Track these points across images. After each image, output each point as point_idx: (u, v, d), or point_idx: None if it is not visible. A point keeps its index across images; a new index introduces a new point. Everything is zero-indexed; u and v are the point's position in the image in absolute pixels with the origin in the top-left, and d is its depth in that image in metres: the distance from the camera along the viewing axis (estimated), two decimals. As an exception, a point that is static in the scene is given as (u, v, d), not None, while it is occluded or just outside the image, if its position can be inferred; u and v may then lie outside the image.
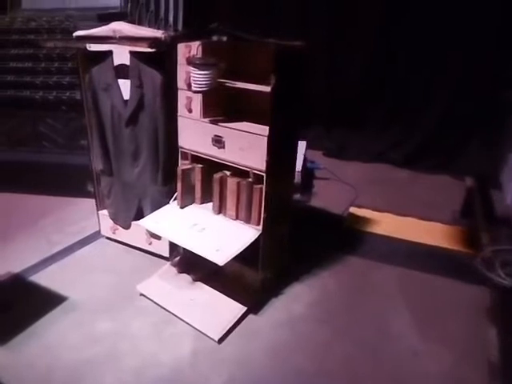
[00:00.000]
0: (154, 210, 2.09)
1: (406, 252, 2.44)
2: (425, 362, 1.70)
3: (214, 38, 1.92)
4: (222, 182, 1.96)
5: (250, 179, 1.86)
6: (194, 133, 1.94)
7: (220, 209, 2.02)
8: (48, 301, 1.96)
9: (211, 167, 1.98)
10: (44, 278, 2.11)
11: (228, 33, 1.88)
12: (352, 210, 2.89)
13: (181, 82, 1.89)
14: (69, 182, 2.86)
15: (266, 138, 1.70)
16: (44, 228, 2.58)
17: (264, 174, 1.77)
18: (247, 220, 1.93)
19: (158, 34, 1.92)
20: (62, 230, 2.55)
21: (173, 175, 2.06)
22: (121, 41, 1.97)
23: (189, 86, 1.85)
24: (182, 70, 1.86)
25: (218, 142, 1.86)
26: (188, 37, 1.87)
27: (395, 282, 2.18)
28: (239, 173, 1.90)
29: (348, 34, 3.70)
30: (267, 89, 1.65)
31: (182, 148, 2.03)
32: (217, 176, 1.95)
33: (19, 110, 2.90)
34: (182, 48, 1.83)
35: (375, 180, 3.41)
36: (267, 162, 1.73)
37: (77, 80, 2.34)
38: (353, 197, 3.06)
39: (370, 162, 3.74)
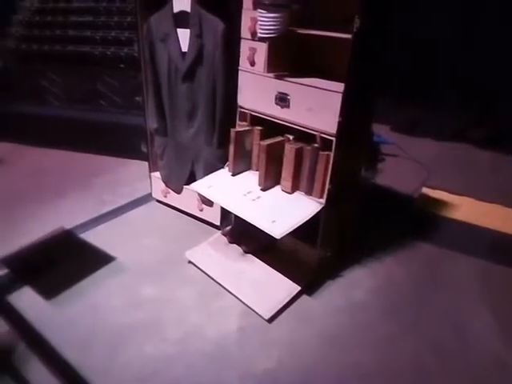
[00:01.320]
0: (207, 175, 1.94)
1: (490, 243, 2.10)
2: (514, 376, 1.42)
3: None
4: (282, 148, 1.74)
5: (316, 144, 1.63)
6: (256, 89, 1.73)
7: (268, 179, 1.79)
8: (95, 260, 1.91)
9: (271, 130, 1.77)
10: (93, 237, 2.06)
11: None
12: (424, 190, 2.56)
13: (245, 31, 1.67)
14: (124, 142, 2.82)
15: (340, 96, 1.45)
16: (96, 187, 2.55)
17: (333, 139, 1.53)
18: (309, 191, 1.72)
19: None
20: (113, 191, 2.51)
21: (229, 138, 1.88)
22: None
23: (253, 34, 1.64)
24: (247, 17, 1.64)
25: (283, 100, 1.64)
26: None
27: (475, 277, 1.87)
28: (302, 137, 1.67)
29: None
30: (348, 36, 1.39)
31: (241, 107, 1.83)
32: (271, 142, 1.73)
33: (79, 66, 2.86)
34: (248, -12, 1.60)
35: (452, 160, 3.02)
36: (339, 123, 1.48)
37: (135, 36, 2.22)
38: (424, 177, 2.70)
39: (445, 141, 3.32)
